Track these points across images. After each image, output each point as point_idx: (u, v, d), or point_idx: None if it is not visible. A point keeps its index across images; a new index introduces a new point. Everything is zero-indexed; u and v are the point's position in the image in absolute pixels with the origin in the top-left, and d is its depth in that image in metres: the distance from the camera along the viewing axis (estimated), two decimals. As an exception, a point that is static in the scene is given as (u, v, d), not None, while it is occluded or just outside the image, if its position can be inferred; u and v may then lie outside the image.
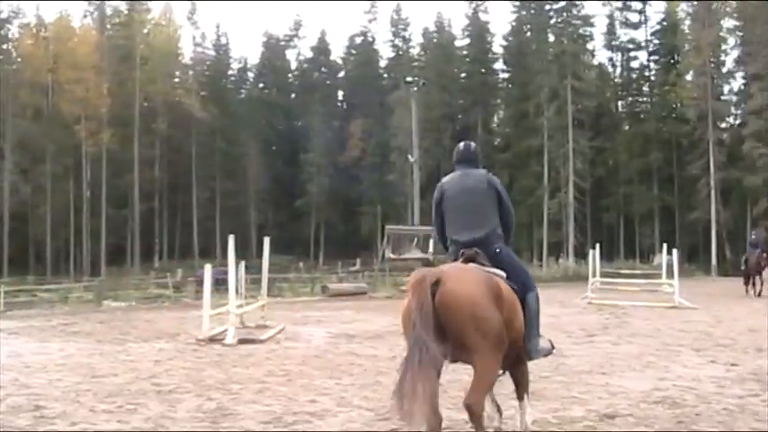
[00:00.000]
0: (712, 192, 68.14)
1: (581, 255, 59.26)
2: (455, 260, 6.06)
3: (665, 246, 32.37)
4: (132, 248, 75.08)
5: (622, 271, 39.71)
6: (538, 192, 74.65)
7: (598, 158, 77.38)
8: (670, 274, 27.65)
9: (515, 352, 5.87)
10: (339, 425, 7.32)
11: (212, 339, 14.40)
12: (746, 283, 29.94)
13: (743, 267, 30.56)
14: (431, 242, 36.16)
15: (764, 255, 30.01)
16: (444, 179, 6.73)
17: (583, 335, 15.24)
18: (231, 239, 15.47)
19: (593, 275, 28.87)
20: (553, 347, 6.68)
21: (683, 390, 9.08)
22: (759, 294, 28.45)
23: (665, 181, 76.42)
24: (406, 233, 41.43)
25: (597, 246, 31.58)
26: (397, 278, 41.88)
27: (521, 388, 6.41)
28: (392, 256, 38.35)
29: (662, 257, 32.86)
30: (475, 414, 5.34)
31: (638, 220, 76.65)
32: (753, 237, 33.83)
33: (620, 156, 77.17)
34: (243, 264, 19.22)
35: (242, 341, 14.22)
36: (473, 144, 6.90)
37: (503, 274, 5.92)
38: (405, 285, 35.13)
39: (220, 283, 21.51)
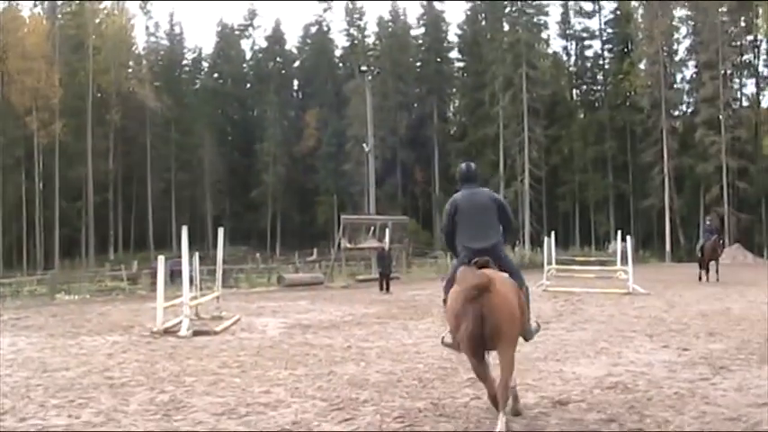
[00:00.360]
0: (666, 179, 68.84)
1: (537, 243, 59.72)
2: (468, 263, 7.25)
3: (619, 233, 32.64)
4: (86, 241, 74.20)
5: (578, 258, 39.98)
6: (494, 180, 74.81)
7: (553, 147, 77.77)
8: (624, 261, 27.88)
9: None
10: (292, 415, 7.29)
11: (166, 331, 14.27)
12: (701, 269, 29.70)
13: (699, 254, 30.13)
14: (387, 232, 36.12)
15: (721, 241, 29.96)
16: (456, 195, 7.89)
17: (538, 322, 15.31)
18: (185, 231, 15.32)
19: (549, 263, 28.95)
20: (539, 326, 8.46)
21: (635, 375, 9.17)
22: (717, 280, 28.30)
23: (619, 169, 77.09)
24: (363, 222, 41.27)
25: (553, 233, 31.81)
26: (354, 268, 41.91)
27: (507, 374, 7.07)
28: (348, 245, 38.19)
29: (617, 244, 33.09)
30: (506, 389, 6.78)
31: (594, 207, 77.27)
32: (708, 223, 33.58)
33: (575, 144, 77.54)
34: (197, 255, 19.03)
35: (196, 333, 14.11)
36: (473, 165, 8.14)
37: (506, 275, 7.31)
38: (361, 275, 35.17)
39: (176, 275, 21.29)
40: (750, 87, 77.81)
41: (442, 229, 8.04)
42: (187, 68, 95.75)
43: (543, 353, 11.10)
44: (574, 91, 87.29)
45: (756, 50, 74.92)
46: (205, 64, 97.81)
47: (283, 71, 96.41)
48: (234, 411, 7.48)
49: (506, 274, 7.34)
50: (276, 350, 11.92)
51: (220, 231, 18.54)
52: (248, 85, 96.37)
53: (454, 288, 6.98)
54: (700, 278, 29.35)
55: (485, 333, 6.55)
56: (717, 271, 28.91)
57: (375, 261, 33.79)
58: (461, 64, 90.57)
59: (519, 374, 9.22)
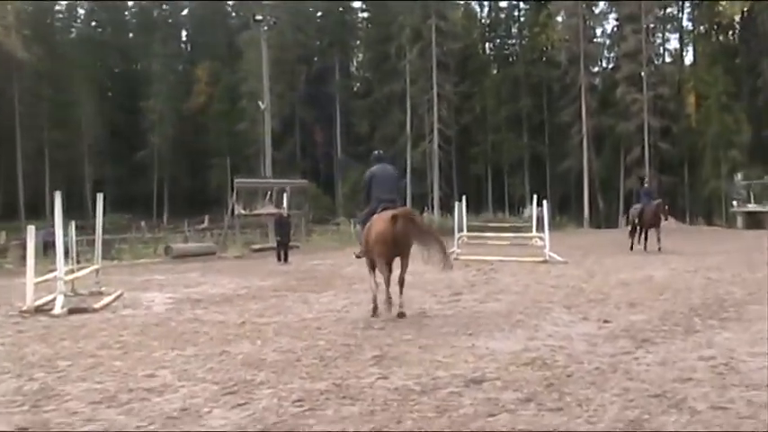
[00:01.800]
0: (584, 139, 70.13)
1: (447, 208, 60.24)
2: (383, 209, 12.38)
3: (535, 197, 33.17)
4: (-54, 208, 71.93)
5: (491, 224, 40.44)
6: (400, 140, 75.16)
7: (464, 105, 78.36)
8: (540, 228, 28.26)
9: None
10: (180, 401, 7.10)
11: (38, 310, 13.84)
12: (633, 237, 29.22)
13: (635, 220, 29.38)
14: (285, 197, 35.93)
15: (666, 206, 29.36)
16: (372, 168, 13.19)
17: (448, 293, 15.39)
18: (59, 197, 14.83)
19: (460, 230, 29.07)
20: None
21: (553, 350, 9.25)
22: (659, 249, 27.70)
23: (535, 128, 78.23)
24: (259, 187, 40.85)
25: (464, 198, 31.94)
26: (249, 236, 41.58)
27: (404, 274, 12.54)
28: (243, 212, 37.81)
29: (532, 209, 33.59)
30: (403, 282, 12.48)
31: (508, 170, 78.38)
32: (646, 186, 32.75)
33: (488, 102, 78.24)
34: (74, 224, 18.51)
35: (72, 311, 13.73)
36: (382, 151, 14.53)
37: None
38: (257, 244, 35.19)
39: (50, 247, 20.71)
40: (673, 42, 79.74)
41: (364, 187, 13.19)
42: (61, 15, 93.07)
43: (454, 327, 11.13)
44: (487, 45, 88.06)
45: (680, 3, 76.65)
46: (81, 11, 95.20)
47: (170, 20, 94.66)
48: (114, 399, 7.25)
49: None
50: (163, 328, 11.68)
51: (100, 197, 18.06)
52: (131, 35, 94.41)
53: (376, 216, 12.41)
54: (632, 247, 28.86)
55: (398, 244, 12.05)
56: (659, 239, 28.22)
57: (272, 229, 33.72)
58: (366, 14, 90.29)
59: (428, 350, 9.27)
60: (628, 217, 32.45)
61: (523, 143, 77.42)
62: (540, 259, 24.02)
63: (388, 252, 12.08)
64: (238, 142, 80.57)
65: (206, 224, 56.74)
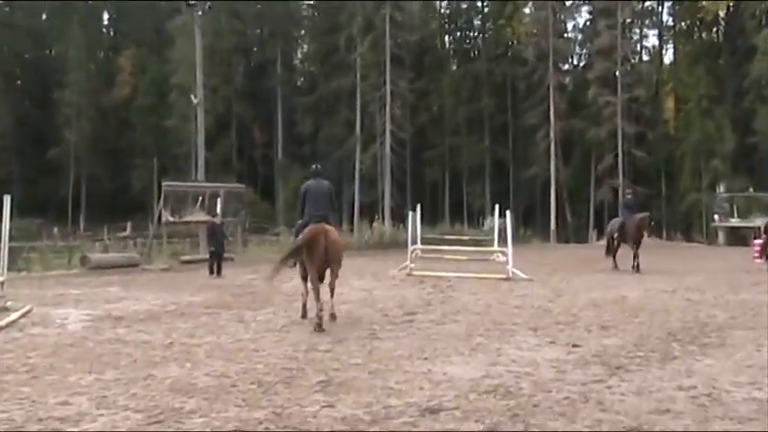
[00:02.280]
0: (552, 144, 70.45)
1: (399, 218, 60.12)
2: (315, 222, 14.17)
3: (497, 207, 33.32)
4: None
5: (448, 237, 40.52)
6: (349, 142, 75.11)
7: (421, 103, 78.51)
8: (503, 241, 28.41)
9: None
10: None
11: (-66, 327, 13.63)
12: (613, 254, 29.07)
13: (614, 236, 29.05)
14: (218, 202, 35.81)
15: (651, 222, 29.34)
16: (308, 182, 15.02)
17: (401, 313, 15.40)
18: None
19: (414, 242, 29.12)
20: None
21: (518, 376, 9.27)
22: (638, 270, 27.24)
23: (497, 131, 78.52)
24: (189, 191, 40.46)
25: (418, 207, 32.04)
26: (177, 246, 41.27)
27: (334, 281, 14.40)
28: (171, 218, 37.47)
29: (493, 221, 33.72)
30: (333, 289, 14.37)
31: (467, 176, 78.59)
32: (628, 197, 32.72)
33: (447, 100, 78.50)
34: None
35: (-27, 328, 13.53)
36: (320, 165, 16.20)
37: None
38: (186, 255, 35.19)
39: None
40: (652, 39, 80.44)
41: (299, 200, 15.10)
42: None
43: (408, 350, 11.14)
44: (446, 38, 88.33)
45: (660, -4, 77.32)
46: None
47: (90, 1, 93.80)
48: (21, 429, 7.14)
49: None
50: (78, 349, 11.52)
51: (6, 200, 17.82)
52: (44, 17, 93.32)
53: (307, 229, 14.05)
54: (616, 266, 28.48)
55: (328, 256, 13.88)
56: (636, 256, 27.82)
57: (204, 238, 33.53)
58: (312, 1, 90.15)
59: (379, 375, 9.26)
60: (603, 231, 32.45)
61: (485, 147, 77.75)
62: (503, 276, 24.15)
63: (319, 261, 13.97)
64: (167, 141, 79.98)
65: (128, 232, 56.19)
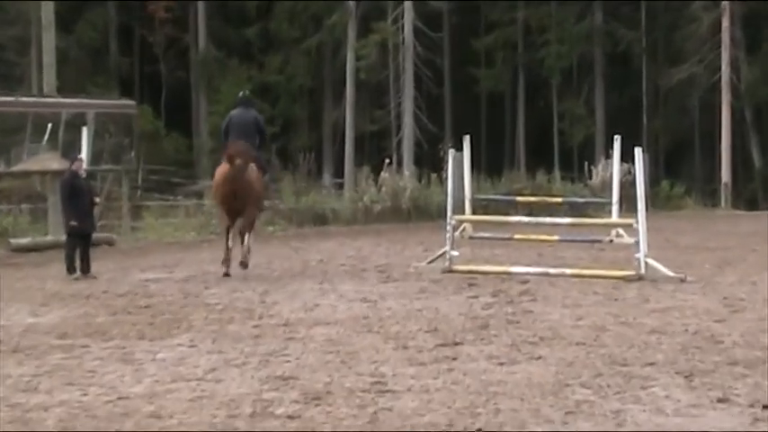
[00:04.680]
0: (726, 20, 44.56)
1: (429, 162, 38.34)
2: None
3: (617, 141, 17.60)
4: None
5: (522, 198, 25.76)
6: (334, 19, 43.44)
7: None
8: (627, 206, 18.36)
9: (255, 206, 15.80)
10: None
11: None
12: None
13: None
14: (83, 135, 24.69)
15: None
16: (232, 113, 16.01)
17: (432, 344, 9.67)
18: None
19: (457, 207, 17.07)
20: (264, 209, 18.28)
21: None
22: None
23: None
24: (27, 113, 25.51)
25: (467, 141, 17.77)
26: (5, 218, 28.40)
27: (245, 226, 15.14)
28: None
29: (610, 167, 21.25)
30: (242, 233, 14.95)
31: (559, 83, 51.10)
32: None
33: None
34: None
35: None
36: (248, 92, 18.65)
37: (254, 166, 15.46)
38: (23, 238, 23.78)
39: None
40: None
41: (221, 137, 16.05)
42: None
43: (444, 415, 6.71)
44: None
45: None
46: None
47: None
48: None
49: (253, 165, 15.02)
50: None
51: None
52: None
53: (220, 167, 15.11)
54: None
55: (236, 196, 14.41)
56: None
57: (57, 203, 21.46)
58: None
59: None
60: None
61: (591, 26, 49.10)
62: (628, 273, 15.12)
63: (228, 197, 14.21)
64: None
65: None
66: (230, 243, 14.21)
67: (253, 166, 14.50)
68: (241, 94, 15.77)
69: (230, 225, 14.19)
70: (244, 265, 14.42)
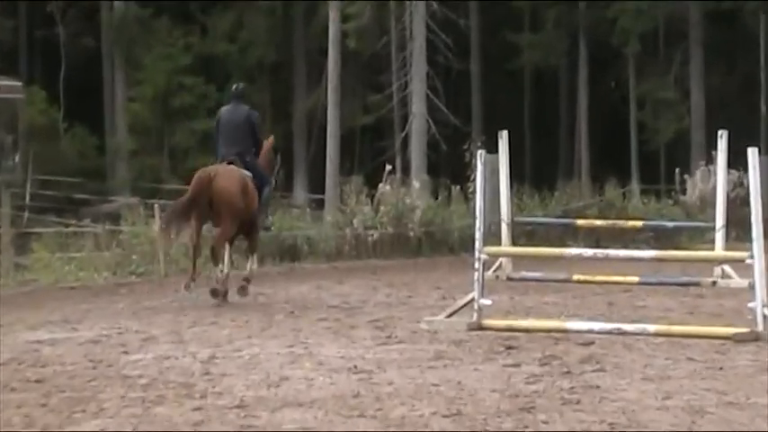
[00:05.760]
0: None
1: (447, 170, 33.66)
2: (222, 162, 13.24)
3: (722, 137, 9.48)
4: None
5: (583, 221, 20.05)
6: None
7: None
8: (740, 234, 14.98)
9: (251, 224, 13.44)
10: None
11: None
12: None
13: None
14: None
15: None
16: (222, 109, 14.06)
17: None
18: None
19: (490, 235, 11.86)
20: (271, 226, 15.82)
21: None
22: None
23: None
24: None
25: (504, 136, 8.15)
26: None
27: (253, 245, 13.97)
28: None
29: (712, 176, 18.17)
30: (215, 252, 12.77)
31: (636, 61, 40.00)
32: None
33: None
34: None
35: None
36: (242, 85, 15.03)
37: (250, 174, 13.30)
38: None
39: None
40: None
41: (215, 137, 13.89)
42: None
43: None
44: None
45: None
46: None
47: None
48: None
49: (249, 173, 13.18)
50: None
51: None
52: None
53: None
54: None
55: (213, 209, 12.57)
56: None
57: None
58: None
59: None
60: None
61: None
62: (740, 329, 10.45)
63: (197, 199, 12.51)
64: None
65: None
66: (223, 266, 12.70)
67: (248, 181, 12.94)
68: (235, 86, 14.22)
69: (197, 239, 12.66)
70: (243, 291, 12.78)
